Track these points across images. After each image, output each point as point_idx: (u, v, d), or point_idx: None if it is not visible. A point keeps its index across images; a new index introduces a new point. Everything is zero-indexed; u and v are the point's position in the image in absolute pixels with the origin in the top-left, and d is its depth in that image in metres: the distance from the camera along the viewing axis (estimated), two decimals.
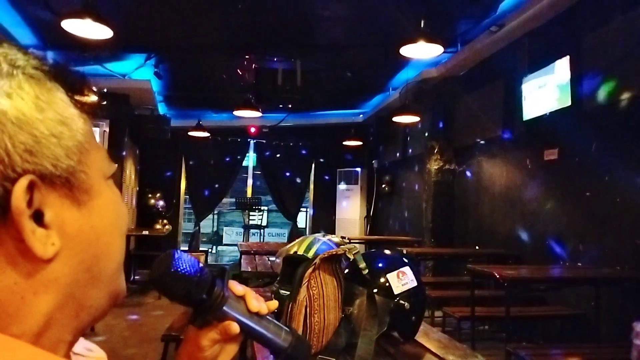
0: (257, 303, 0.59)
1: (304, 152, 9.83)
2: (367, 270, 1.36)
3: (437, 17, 4.54)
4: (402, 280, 1.41)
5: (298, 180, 9.94)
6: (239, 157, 9.74)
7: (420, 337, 1.50)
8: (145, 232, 7.18)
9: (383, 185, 8.69)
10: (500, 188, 5.41)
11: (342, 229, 9.20)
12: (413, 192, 7.55)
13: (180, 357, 0.61)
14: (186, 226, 10.30)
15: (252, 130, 9.34)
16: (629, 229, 3.59)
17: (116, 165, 0.48)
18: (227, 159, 9.64)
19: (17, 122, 0.37)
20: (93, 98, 0.45)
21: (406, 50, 4.15)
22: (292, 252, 1.35)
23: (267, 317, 0.60)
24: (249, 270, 3.58)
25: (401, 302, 1.38)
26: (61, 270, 0.40)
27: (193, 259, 0.56)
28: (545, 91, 4.37)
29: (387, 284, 1.39)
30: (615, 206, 3.72)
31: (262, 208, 10.48)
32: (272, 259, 3.94)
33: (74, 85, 0.43)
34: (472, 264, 4.36)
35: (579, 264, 4.03)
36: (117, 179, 4.63)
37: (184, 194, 9.70)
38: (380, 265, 1.43)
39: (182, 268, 0.54)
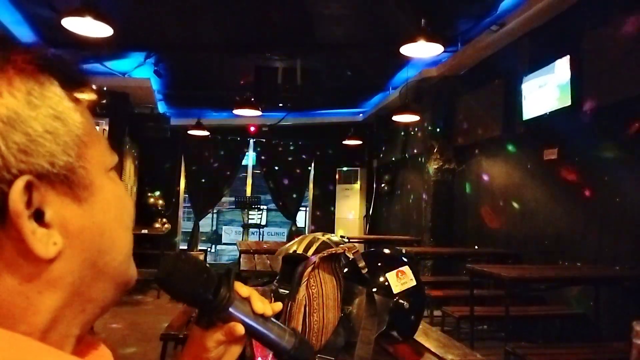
0: (263, 305, 0.59)
1: (303, 151, 9.81)
2: (366, 270, 1.36)
3: (437, 16, 4.54)
4: (401, 279, 1.40)
5: (297, 179, 9.92)
6: (238, 156, 9.73)
7: (419, 337, 1.49)
8: (145, 231, 7.17)
9: (383, 185, 8.68)
10: (500, 187, 5.41)
11: (341, 228, 9.20)
12: (413, 192, 7.54)
13: (184, 358, 0.61)
14: (185, 225, 10.29)
15: (252, 129, 9.33)
16: (629, 229, 3.59)
17: (117, 157, 0.47)
18: (227, 158, 9.62)
19: (9, 122, 0.36)
20: (91, 89, 0.44)
21: (406, 50, 4.15)
22: (291, 251, 1.35)
23: (271, 318, 0.60)
24: (248, 269, 3.58)
25: (400, 301, 1.38)
26: (65, 268, 0.39)
27: (199, 259, 0.56)
28: (545, 91, 4.37)
29: (387, 283, 1.39)
30: (615, 206, 3.72)
31: (262, 207, 10.48)
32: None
33: (69, 78, 0.42)
34: (472, 263, 4.37)
35: (579, 264, 4.03)
36: None
37: (183, 193, 9.68)
38: (379, 264, 1.43)
39: (188, 268, 0.54)
